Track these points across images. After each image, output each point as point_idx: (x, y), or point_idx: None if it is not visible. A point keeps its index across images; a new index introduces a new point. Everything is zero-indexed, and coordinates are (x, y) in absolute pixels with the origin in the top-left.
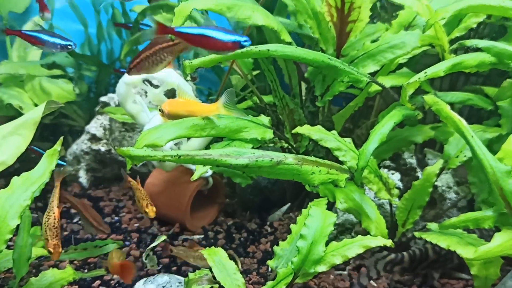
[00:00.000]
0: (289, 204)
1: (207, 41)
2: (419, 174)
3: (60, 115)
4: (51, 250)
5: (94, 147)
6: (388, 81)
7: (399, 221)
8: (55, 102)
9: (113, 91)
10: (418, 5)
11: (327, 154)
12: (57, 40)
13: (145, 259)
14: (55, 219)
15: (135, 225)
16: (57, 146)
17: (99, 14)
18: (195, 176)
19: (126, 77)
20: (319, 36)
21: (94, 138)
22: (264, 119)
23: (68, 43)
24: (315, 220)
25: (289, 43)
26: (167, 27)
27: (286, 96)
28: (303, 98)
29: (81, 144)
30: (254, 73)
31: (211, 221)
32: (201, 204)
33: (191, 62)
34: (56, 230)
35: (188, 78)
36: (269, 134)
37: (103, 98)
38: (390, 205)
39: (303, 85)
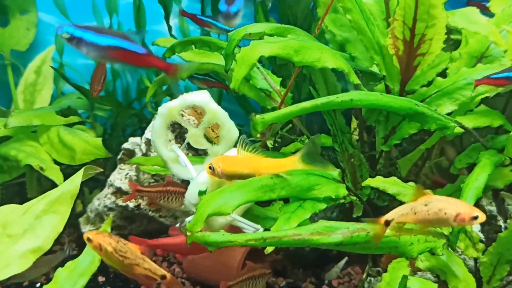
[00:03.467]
0: (346, 258)
1: None
2: (500, 222)
3: (67, 165)
4: None
5: (121, 203)
6: (467, 122)
7: (484, 277)
8: (93, 168)
9: (131, 134)
10: (495, 35)
11: (391, 201)
12: None
13: None
14: None
15: None
16: (107, 227)
17: None
18: (269, 249)
19: (160, 108)
20: (387, 73)
21: (119, 192)
22: (333, 172)
23: None
24: None
25: (357, 86)
26: None
27: (345, 141)
28: (355, 137)
29: (103, 199)
30: None
31: None
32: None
33: (264, 118)
34: None
35: (258, 135)
36: (342, 191)
37: (126, 145)
38: (475, 260)
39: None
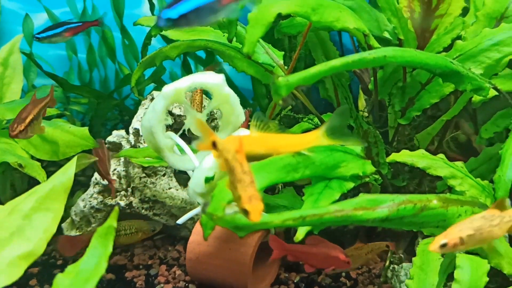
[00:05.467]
0: None
1: None
2: None
3: (49, 162)
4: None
5: (109, 202)
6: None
7: None
8: (87, 157)
9: (112, 128)
10: None
11: (411, 179)
12: None
13: None
14: None
15: None
16: (112, 221)
17: (90, 36)
18: (300, 236)
19: (165, 88)
20: (404, 37)
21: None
22: (355, 147)
23: None
24: (465, 272)
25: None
26: None
27: (359, 116)
28: (365, 114)
29: (89, 200)
30: None
31: (273, 280)
32: (257, 260)
33: (288, 80)
34: None
35: (280, 101)
36: (369, 167)
37: (110, 138)
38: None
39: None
